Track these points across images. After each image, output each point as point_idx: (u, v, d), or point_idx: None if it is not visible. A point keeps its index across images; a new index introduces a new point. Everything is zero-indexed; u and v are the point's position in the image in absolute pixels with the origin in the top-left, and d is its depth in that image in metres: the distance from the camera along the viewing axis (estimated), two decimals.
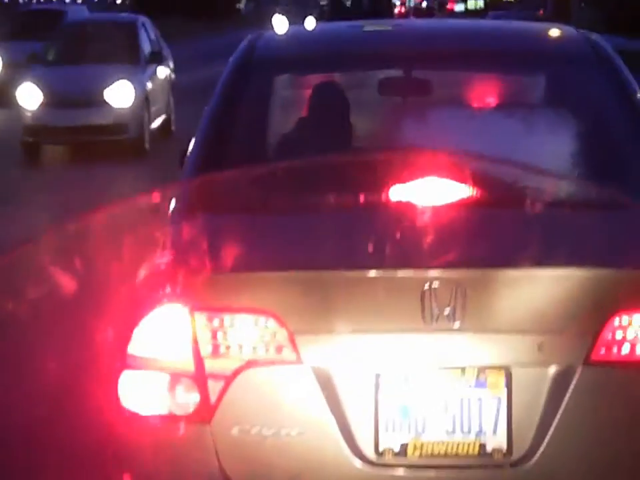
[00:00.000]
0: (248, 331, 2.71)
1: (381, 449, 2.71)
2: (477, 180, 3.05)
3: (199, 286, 2.73)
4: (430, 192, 3.02)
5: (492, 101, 4.00)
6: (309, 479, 2.74)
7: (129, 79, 13.19)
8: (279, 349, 2.71)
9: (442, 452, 2.72)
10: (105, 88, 13.03)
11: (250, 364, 2.71)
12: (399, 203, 3.02)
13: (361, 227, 2.99)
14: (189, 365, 2.72)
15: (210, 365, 2.71)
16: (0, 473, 4.14)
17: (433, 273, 2.69)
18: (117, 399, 2.77)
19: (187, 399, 2.73)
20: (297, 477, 2.74)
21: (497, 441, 2.72)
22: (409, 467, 2.73)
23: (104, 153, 12.60)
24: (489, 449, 2.72)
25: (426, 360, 2.73)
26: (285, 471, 2.74)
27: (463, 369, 2.73)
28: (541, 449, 2.71)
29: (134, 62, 13.84)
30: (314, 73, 4.17)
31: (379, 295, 2.71)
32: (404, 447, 2.72)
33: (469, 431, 2.72)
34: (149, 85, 13.82)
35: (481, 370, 2.72)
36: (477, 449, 2.72)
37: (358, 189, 3.03)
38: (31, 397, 4.72)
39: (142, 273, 2.74)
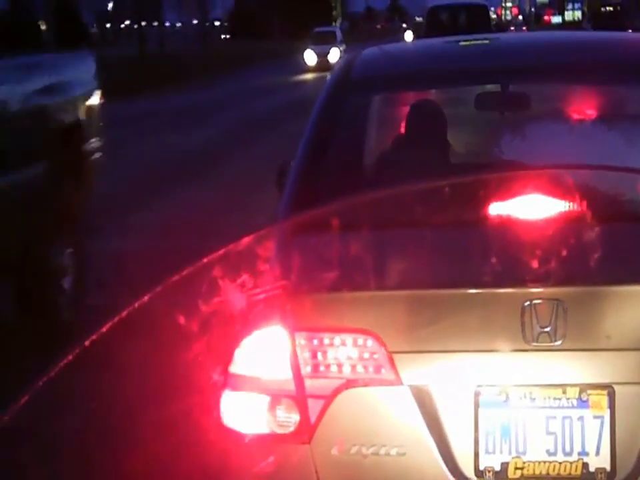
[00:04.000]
0: (347, 351, 2.72)
1: (481, 469, 2.69)
2: (580, 195, 3.01)
3: (298, 306, 2.74)
4: (532, 208, 2.99)
5: (592, 113, 3.95)
6: None
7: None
8: (378, 369, 2.71)
9: (543, 472, 2.67)
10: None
11: (349, 383, 2.71)
12: (499, 219, 3.00)
13: (460, 245, 2.98)
14: (290, 385, 2.73)
15: (310, 384, 2.73)
16: None
17: (534, 290, 2.66)
18: (219, 417, 2.81)
19: (288, 419, 2.74)
20: None
21: (600, 461, 2.66)
22: None
23: None
24: (591, 469, 2.67)
25: (526, 379, 2.69)
26: None
27: (565, 388, 2.68)
28: None
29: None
30: (411, 91, 4.17)
31: (479, 313, 2.69)
32: (504, 467, 2.68)
33: (571, 451, 2.68)
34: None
35: (583, 389, 2.68)
36: (579, 469, 2.67)
37: (458, 207, 3.02)
38: (132, 411, 4.81)
39: (244, 294, 2.77)
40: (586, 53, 3.98)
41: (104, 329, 2.19)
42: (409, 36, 47.84)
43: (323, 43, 42.93)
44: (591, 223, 2.96)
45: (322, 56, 41.94)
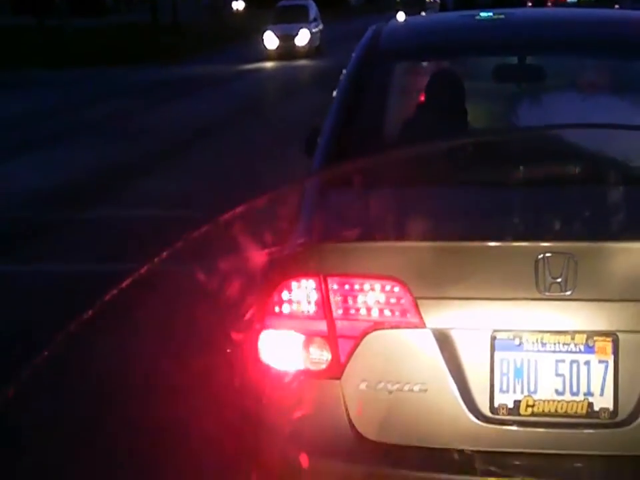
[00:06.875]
0: (375, 296, 2.95)
1: (495, 406, 2.92)
2: (592, 156, 3.22)
3: (331, 254, 2.98)
4: (545, 167, 3.21)
5: (606, 87, 4.13)
6: (429, 431, 2.96)
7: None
8: (404, 313, 2.94)
9: (552, 410, 2.91)
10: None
11: (377, 325, 2.94)
12: (518, 179, 3.22)
13: (481, 201, 3.21)
14: (322, 326, 2.97)
15: (341, 326, 2.96)
16: (146, 423, 4.49)
17: (547, 244, 2.87)
18: (257, 355, 3.05)
19: (320, 357, 2.98)
20: (417, 429, 2.97)
21: (603, 401, 2.89)
22: (521, 423, 2.92)
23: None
24: (596, 408, 2.89)
25: (539, 325, 2.91)
26: (406, 423, 2.97)
27: (573, 335, 2.90)
28: None
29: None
30: (434, 60, 4.40)
31: (497, 264, 2.91)
32: (517, 404, 2.91)
33: (578, 392, 2.90)
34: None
35: (590, 335, 2.89)
36: (584, 408, 2.90)
37: (478, 166, 3.24)
38: (174, 355, 5.08)
39: (281, 242, 3.01)
40: (600, 28, 4.19)
41: (123, 285, 2.26)
42: (401, 16, 39.20)
43: (288, 21, 32.85)
44: (602, 183, 3.20)
45: (286, 39, 32.20)
